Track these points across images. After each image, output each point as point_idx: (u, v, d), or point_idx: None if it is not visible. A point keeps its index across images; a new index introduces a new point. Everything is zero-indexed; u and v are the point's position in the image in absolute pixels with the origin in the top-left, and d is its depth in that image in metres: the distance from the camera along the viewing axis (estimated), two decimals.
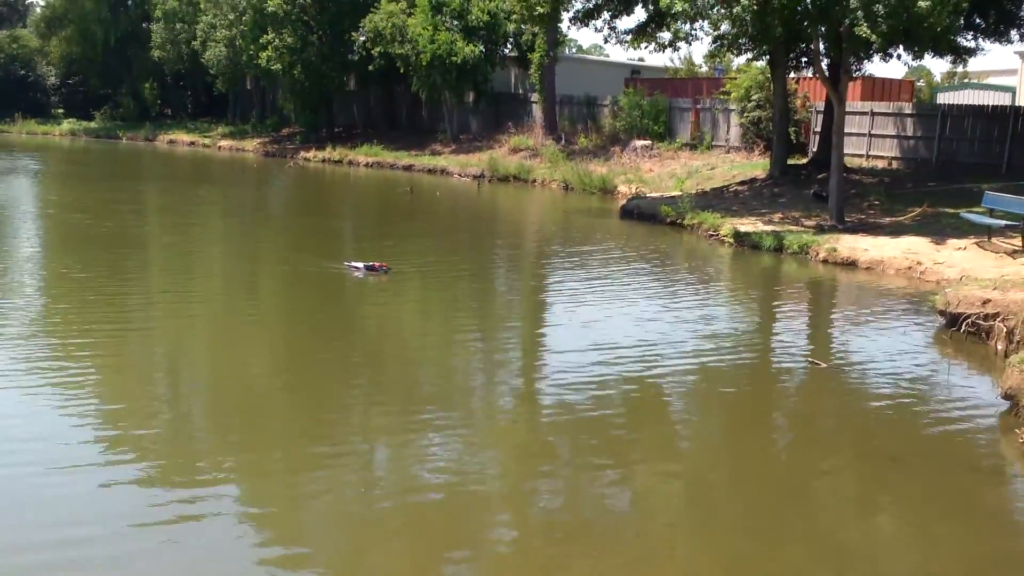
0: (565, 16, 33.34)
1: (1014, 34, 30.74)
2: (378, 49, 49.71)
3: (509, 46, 51.53)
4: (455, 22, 47.91)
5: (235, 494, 9.11)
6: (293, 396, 12.07)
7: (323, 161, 51.71)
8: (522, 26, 45.61)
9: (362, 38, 51.64)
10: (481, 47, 48.00)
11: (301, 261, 21.41)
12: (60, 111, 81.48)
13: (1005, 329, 14.01)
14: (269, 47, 53.40)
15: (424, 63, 47.46)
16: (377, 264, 19.40)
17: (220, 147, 61.90)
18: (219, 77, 63.96)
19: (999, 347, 14.02)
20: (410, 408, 11.52)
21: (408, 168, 47.39)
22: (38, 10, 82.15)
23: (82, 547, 7.91)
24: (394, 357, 13.93)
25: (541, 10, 30.10)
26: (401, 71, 49.76)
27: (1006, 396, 11.55)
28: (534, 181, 41.08)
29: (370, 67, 51.42)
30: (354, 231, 28.56)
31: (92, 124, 74.83)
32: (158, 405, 11.59)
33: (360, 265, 19.41)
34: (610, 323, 15.89)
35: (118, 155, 57.98)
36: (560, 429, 11.10)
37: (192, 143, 64.57)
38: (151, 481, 9.19)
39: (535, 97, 49.48)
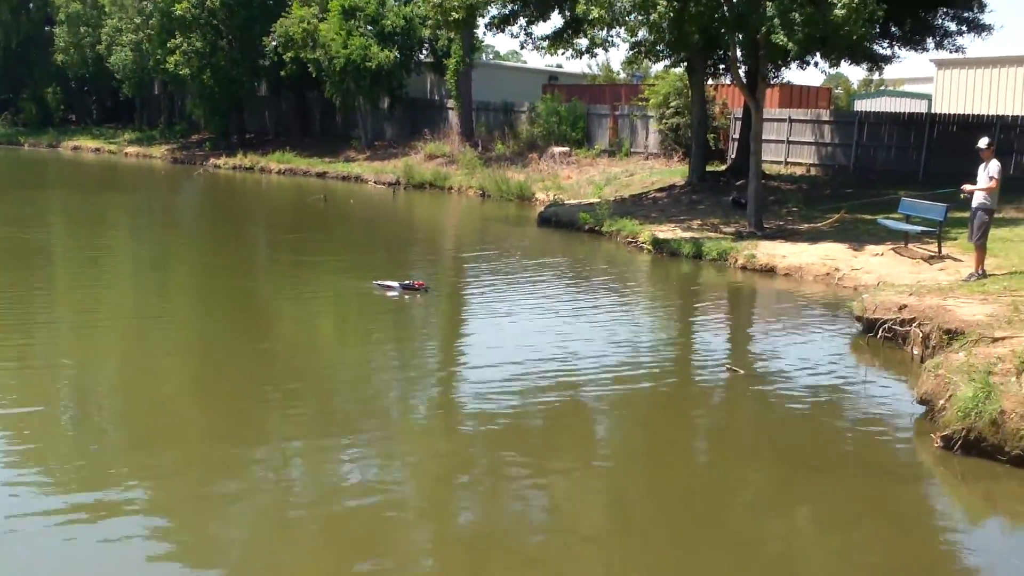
0: (481, 22, 33.35)
1: (929, 42, 31.43)
2: (290, 54, 49.31)
3: (425, 52, 51.58)
4: (369, 27, 47.74)
5: (144, 503, 8.96)
6: (206, 408, 11.91)
7: (234, 168, 51.22)
8: (437, 32, 45.66)
9: (273, 43, 51.22)
10: (396, 53, 47.80)
11: (211, 274, 21.18)
12: None
13: (921, 334, 14.26)
14: (177, 51, 52.81)
15: (337, 69, 47.20)
16: (416, 283, 18.73)
17: (127, 154, 61.03)
18: (125, 82, 63.15)
19: (915, 352, 14.27)
20: (326, 420, 11.44)
21: (322, 175, 47.13)
22: None
23: None
24: (309, 370, 13.77)
25: (456, 16, 30.01)
26: (314, 76, 49.46)
27: (922, 401, 11.75)
28: (450, 188, 41.06)
29: (282, 72, 51.02)
30: (268, 242, 28.27)
31: None
32: (65, 418, 11.35)
33: (395, 284, 18.70)
34: (528, 334, 15.87)
35: (20, 162, 56.80)
36: (478, 441, 11.07)
37: (97, 149, 63.56)
38: (58, 487, 9.06)
39: (451, 103, 49.57)
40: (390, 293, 18.56)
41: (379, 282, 19.08)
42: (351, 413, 11.84)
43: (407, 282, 18.82)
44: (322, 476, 9.84)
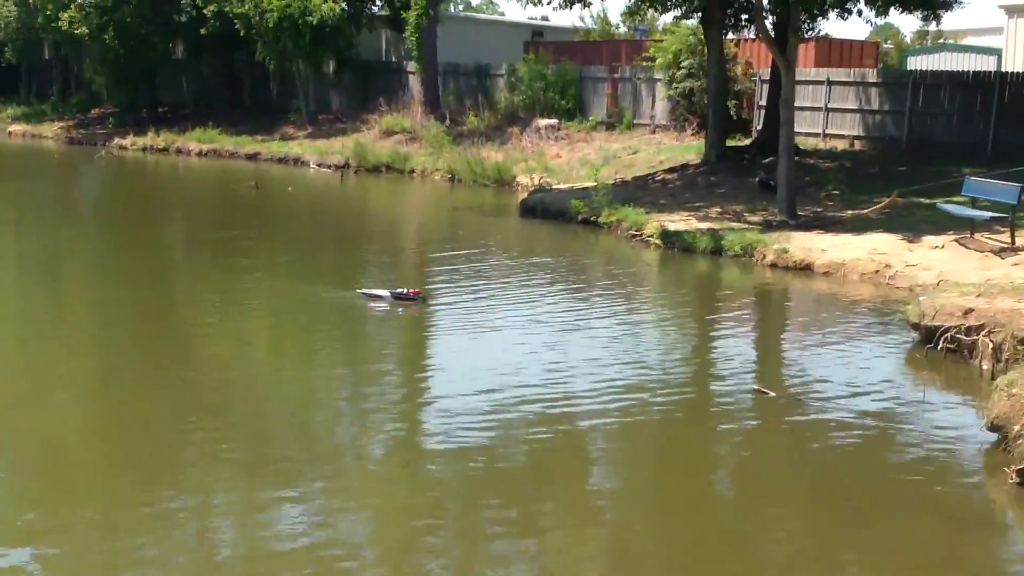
0: None
1: None
2: (212, 8, 49.16)
3: (379, 2, 51.42)
4: None
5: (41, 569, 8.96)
6: (112, 455, 11.86)
7: (144, 149, 51.03)
8: None
9: None
10: (343, 4, 47.72)
11: (117, 283, 21.10)
12: None
13: (991, 345, 14.30)
14: (72, 6, 52.52)
15: (271, 24, 47.04)
16: (411, 291, 18.75)
17: (11, 133, 60.81)
18: (8, 45, 62.75)
19: (984, 367, 14.32)
20: (261, 467, 11.39)
21: (253, 157, 47.07)
22: None
23: None
24: (241, 403, 13.75)
25: None
26: (242, 35, 49.31)
27: (992, 427, 11.77)
28: (412, 172, 41.02)
29: (203, 31, 50.84)
30: (188, 241, 28.19)
31: None
32: None
33: (385, 293, 18.72)
34: (511, 353, 15.90)
35: None
36: (451, 491, 11.08)
37: None
38: None
39: (412, 67, 49.43)
40: (376, 305, 18.58)
41: (364, 291, 19.08)
42: (293, 458, 11.78)
43: (399, 290, 18.81)
44: (255, 538, 9.81)
